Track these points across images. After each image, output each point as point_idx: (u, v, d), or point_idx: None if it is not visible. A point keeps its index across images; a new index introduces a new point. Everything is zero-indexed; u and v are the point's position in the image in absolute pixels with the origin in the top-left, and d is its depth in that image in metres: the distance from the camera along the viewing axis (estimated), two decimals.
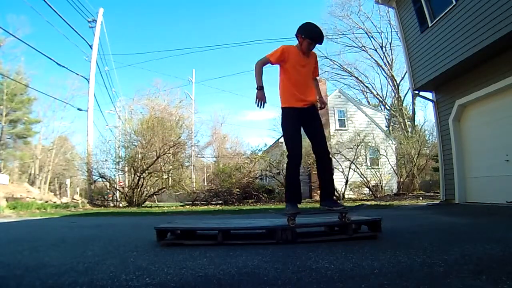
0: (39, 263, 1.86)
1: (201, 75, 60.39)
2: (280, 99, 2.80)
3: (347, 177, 11.43)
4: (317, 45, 2.76)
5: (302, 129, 2.74)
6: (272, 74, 3.15)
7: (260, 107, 2.62)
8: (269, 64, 2.72)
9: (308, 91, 2.74)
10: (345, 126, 14.99)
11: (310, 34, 2.67)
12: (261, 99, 2.62)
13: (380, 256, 1.80)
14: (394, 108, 24.47)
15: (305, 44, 2.67)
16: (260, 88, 2.63)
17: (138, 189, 11.15)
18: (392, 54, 23.27)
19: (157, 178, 12.15)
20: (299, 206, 2.65)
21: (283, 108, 2.76)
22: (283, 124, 2.79)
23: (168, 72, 65.81)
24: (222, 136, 33.55)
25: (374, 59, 23.82)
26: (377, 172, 12.20)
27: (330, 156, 3.00)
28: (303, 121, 2.73)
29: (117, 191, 11.67)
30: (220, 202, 11.24)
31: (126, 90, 61.58)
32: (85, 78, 13.16)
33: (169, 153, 11.79)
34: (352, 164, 11.53)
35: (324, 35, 2.76)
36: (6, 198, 9.47)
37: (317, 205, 9.30)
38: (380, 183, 12.18)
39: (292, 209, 2.47)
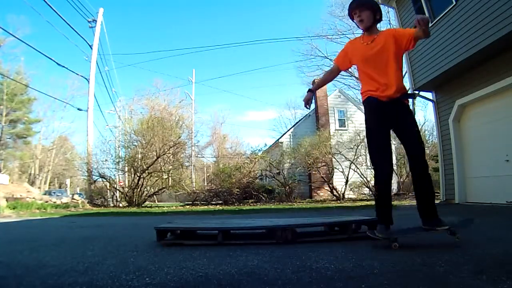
0: (39, 263, 1.86)
1: (201, 75, 60.61)
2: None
3: (347, 177, 11.43)
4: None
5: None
6: None
7: (307, 106, 2.50)
8: (338, 69, 2.47)
9: (388, 79, 2.13)
10: (345, 126, 14.98)
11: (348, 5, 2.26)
12: (305, 100, 2.49)
13: (380, 256, 1.79)
14: None
15: (355, 20, 2.24)
16: (308, 90, 2.52)
17: (138, 189, 11.15)
18: None
19: (157, 178, 12.15)
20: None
21: (363, 102, 2.32)
22: (365, 122, 2.32)
23: (168, 72, 66.09)
24: (222, 136, 33.63)
25: None
26: None
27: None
28: (390, 119, 2.16)
29: (117, 191, 11.65)
30: (220, 202, 11.25)
31: (126, 90, 61.75)
32: (85, 78, 13.20)
33: (169, 153, 11.79)
34: (352, 164, 11.53)
35: None
36: (6, 198, 9.46)
37: (318, 205, 9.28)
38: None
39: (381, 233, 2.09)
